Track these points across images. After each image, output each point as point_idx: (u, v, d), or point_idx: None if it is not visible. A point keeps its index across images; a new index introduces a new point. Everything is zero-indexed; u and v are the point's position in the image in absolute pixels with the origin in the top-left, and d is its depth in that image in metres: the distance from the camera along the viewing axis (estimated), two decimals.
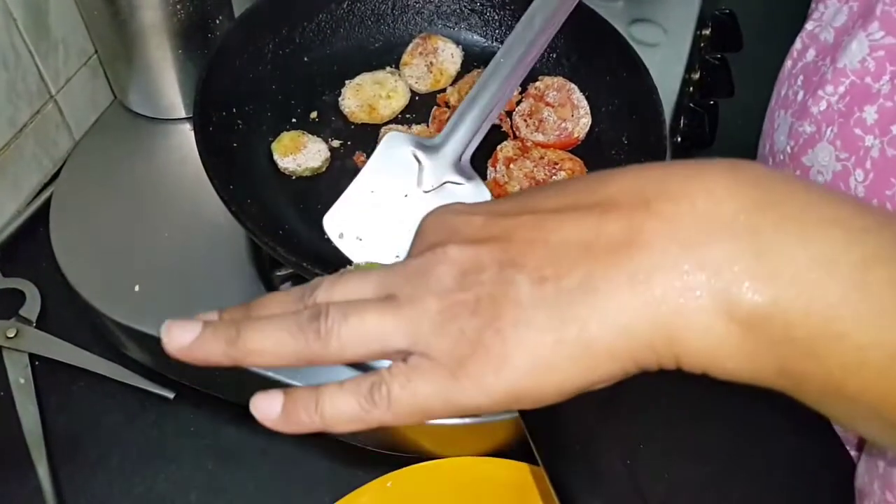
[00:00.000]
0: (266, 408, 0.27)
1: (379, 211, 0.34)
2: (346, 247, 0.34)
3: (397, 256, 0.32)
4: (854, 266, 0.21)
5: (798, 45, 0.52)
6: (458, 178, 0.34)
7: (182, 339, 0.28)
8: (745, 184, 0.23)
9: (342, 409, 0.26)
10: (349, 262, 0.46)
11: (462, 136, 0.34)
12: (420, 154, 0.34)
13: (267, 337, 0.26)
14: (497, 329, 0.24)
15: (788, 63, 0.52)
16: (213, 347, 0.27)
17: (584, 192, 0.25)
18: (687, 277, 0.22)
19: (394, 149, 0.34)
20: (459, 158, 0.34)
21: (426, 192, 0.34)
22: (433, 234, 0.27)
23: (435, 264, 0.25)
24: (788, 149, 0.49)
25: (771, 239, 0.22)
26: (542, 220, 0.25)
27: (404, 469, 0.45)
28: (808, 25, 0.51)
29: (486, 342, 0.24)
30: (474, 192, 0.33)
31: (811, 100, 0.46)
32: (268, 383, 0.47)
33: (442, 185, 0.34)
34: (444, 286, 0.25)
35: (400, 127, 0.54)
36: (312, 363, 0.26)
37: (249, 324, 0.27)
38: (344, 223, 0.34)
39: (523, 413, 0.35)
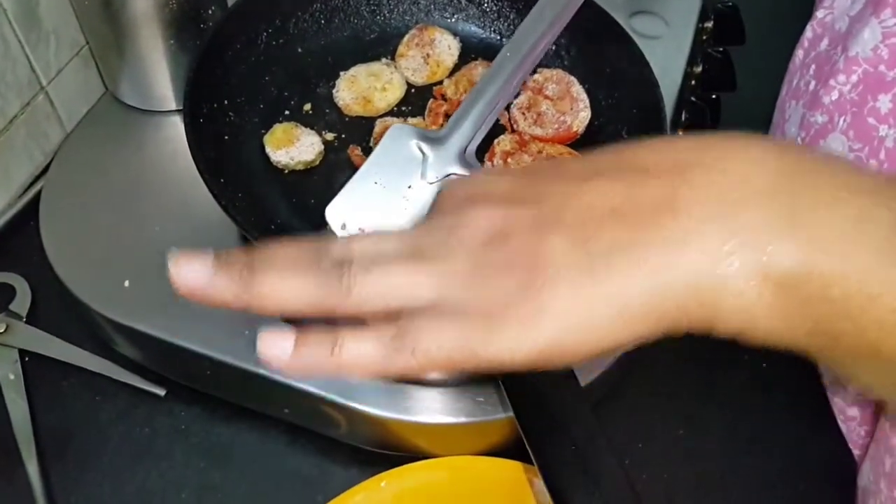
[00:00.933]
0: (274, 346, 0.26)
1: (382, 202, 0.34)
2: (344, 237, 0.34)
3: None
4: (885, 230, 0.22)
5: (809, 33, 0.51)
6: (462, 170, 0.34)
7: (191, 274, 0.27)
8: (774, 153, 0.24)
9: (363, 353, 0.25)
10: None
11: (467, 128, 0.34)
12: (425, 146, 0.34)
13: (284, 280, 0.26)
14: (532, 287, 0.24)
15: (800, 52, 0.51)
16: (224, 286, 0.26)
17: (615, 161, 0.26)
18: (722, 242, 0.23)
19: (398, 140, 0.34)
20: (464, 150, 0.34)
21: (430, 183, 0.34)
22: (458, 196, 0.27)
23: (465, 223, 0.26)
24: (800, 140, 0.48)
25: (804, 204, 0.23)
26: (575, 185, 0.25)
27: (399, 468, 0.45)
28: (819, 13, 0.50)
29: (521, 299, 0.24)
30: None
31: (823, 90, 0.45)
32: (264, 381, 0.46)
33: (446, 176, 0.33)
34: (476, 244, 0.25)
35: (396, 120, 0.54)
36: (326, 313, 0.26)
37: (265, 265, 0.26)
38: (347, 214, 0.33)
39: (518, 413, 0.35)
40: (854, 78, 0.43)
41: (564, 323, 0.24)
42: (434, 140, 0.34)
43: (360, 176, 0.34)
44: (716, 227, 0.23)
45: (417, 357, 0.25)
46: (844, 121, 0.44)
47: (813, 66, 0.49)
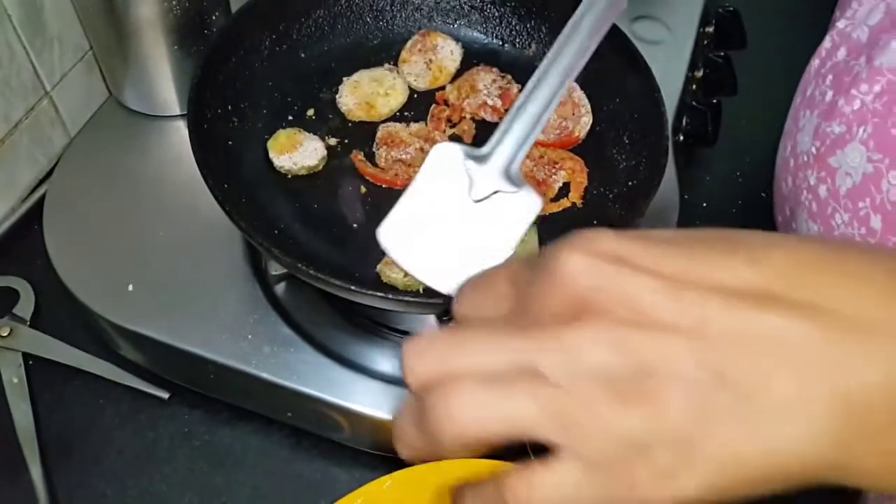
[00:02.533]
0: None
1: (430, 222, 0.34)
2: (400, 258, 0.34)
3: (451, 276, 0.32)
4: None
5: (827, 43, 0.50)
6: (508, 187, 0.34)
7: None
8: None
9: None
10: (356, 270, 0.45)
11: (511, 144, 0.34)
12: (470, 164, 0.34)
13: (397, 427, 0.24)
14: (688, 443, 0.21)
15: (816, 62, 0.51)
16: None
17: (758, 269, 0.22)
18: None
19: (443, 160, 0.34)
20: (509, 166, 0.34)
21: (476, 201, 0.34)
22: (587, 290, 0.22)
23: (599, 341, 0.21)
24: (814, 150, 0.47)
25: None
26: (738, 307, 0.21)
27: (402, 470, 0.45)
28: (840, 24, 0.49)
29: (671, 457, 0.21)
30: (525, 199, 0.33)
31: (843, 99, 0.45)
32: (267, 385, 0.47)
33: (493, 193, 0.34)
34: (617, 376, 0.21)
35: (398, 125, 0.54)
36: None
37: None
38: (398, 235, 0.34)
39: None
40: (877, 88, 0.43)
41: (711, 484, 0.21)
42: (478, 158, 0.34)
43: (408, 196, 0.34)
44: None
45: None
46: (865, 131, 0.43)
47: (830, 76, 0.48)
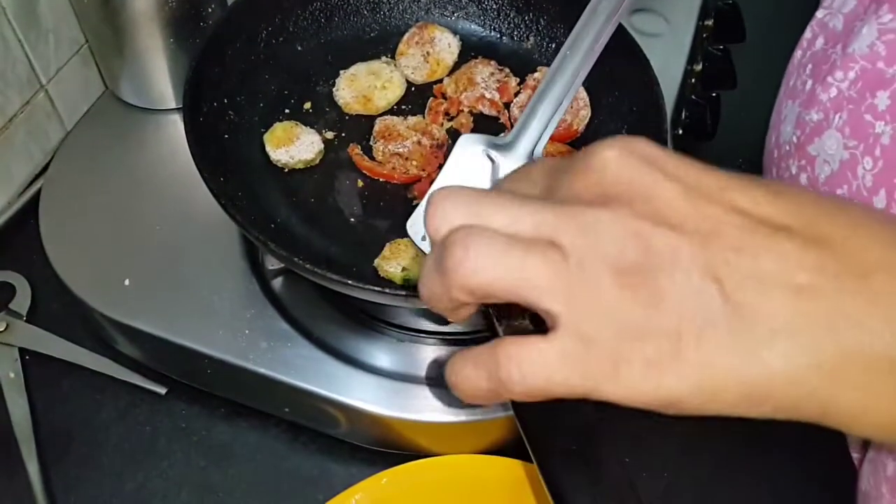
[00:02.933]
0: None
1: None
2: (429, 248, 0.34)
3: None
4: None
5: (808, 34, 0.51)
6: None
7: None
8: None
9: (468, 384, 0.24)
10: (353, 264, 0.45)
11: (534, 131, 0.34)
12: (493, 153, 0.34)
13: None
14: (677, 340, 0.22)
15: (798, 53, 0.51)
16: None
17: (777, 204, 0.23)
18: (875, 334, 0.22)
19: (467, 149, 0.34)
20: (531, 154, 0.34)
21: None
22: (616, 181, 0.23)
23: (617, 227, 0.22)
24: (794, 139, 0.47)
25: None
26: (753, 229, 0.22)
27: (399, 466, 0.45)
28: (819, 13, 0.50)
29: (659, 350, 0.22)
30: None
31: (819, 87, 0.45)
32: (264, 380, 0.46)
33: None
34: (626, 263, 0.22)
35: (396, 119, 0.54)
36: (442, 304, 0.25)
37: None
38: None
39: (518, 410, 0.35)
40: (852, 75, 0.43)
41: (696, 387, 0.22)
42: (502, 147, 0.34)
43: (436, 187, 0.34)
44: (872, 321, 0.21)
45: (525, 387, 0.23)
46: (840, 118, 0.43)
47: (809, 66, 0.49)
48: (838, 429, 0.23)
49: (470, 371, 0.24)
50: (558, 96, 0.34)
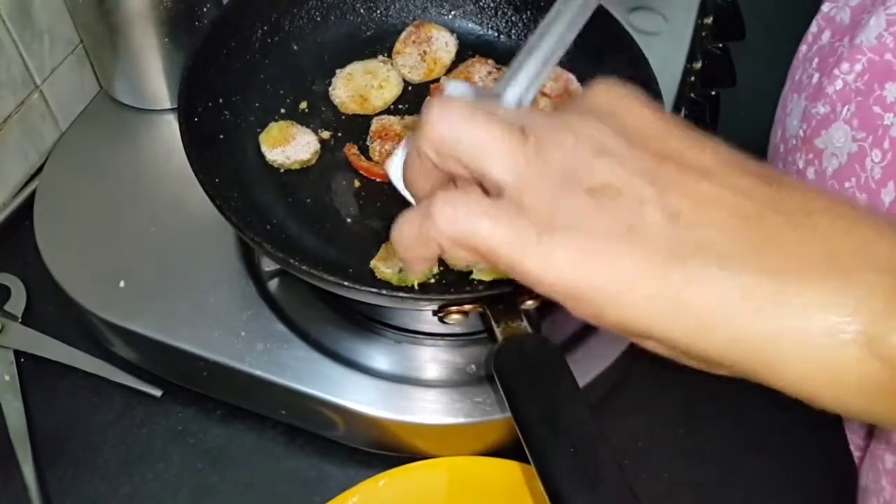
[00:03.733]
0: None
1: None
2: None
3: None
4: None
5: (814, 28, 0.50)
6: None
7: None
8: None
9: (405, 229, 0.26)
10: (349, 266, 0.45)
11: (521, 83, 0.33)
12: (481, 101, 0.33)
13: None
14: (608, 229, 0.23)
15: (803, 47, 0.51)
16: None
17: (757, 182, 0.25)
18: (832, 310, 0.22)
19: (454, 96, 0.34)
20: (519, 104, 0.33)
21: None
22: (598, 103, 0.26)
23: (583, 130, 0.25)
24: (801, 132, 0.47)
25: None
26: (711, 167, 0.25)
27: (397, 469, 0.45)
28: (825, 7, 0.50)
29: (590, 232, 0.23)
30: None
31: (826, 80, 0.45)
32: (260, 382, 0.46)
33: None
34: (581, 153, 0.24)
35: (393, 118, 0.53)
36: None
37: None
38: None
39: (516, 413, 0.35)
40: (859, 67, 0.43)
41: (612, 283, 0.23)
42: (488, 97, 0.33)
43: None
44: (829, 294, 0.22)
45: (452, 232, 0.25)
46: (848, 110, 0.43)
47: (816, 59, 0.48)
48: (784, 389, 0.24)
49: (412, 213, 0.26)
50: (548, 49, 0.34)
